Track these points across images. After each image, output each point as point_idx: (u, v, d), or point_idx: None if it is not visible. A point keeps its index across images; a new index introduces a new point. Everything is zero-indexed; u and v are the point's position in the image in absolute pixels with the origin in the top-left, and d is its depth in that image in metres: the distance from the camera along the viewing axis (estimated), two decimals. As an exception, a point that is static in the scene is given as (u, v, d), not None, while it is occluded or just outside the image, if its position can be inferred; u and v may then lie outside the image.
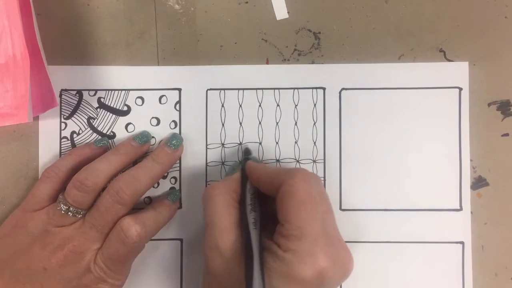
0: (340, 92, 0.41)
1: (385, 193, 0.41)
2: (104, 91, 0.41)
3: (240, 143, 0.41)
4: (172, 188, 0.41)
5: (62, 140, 0.41)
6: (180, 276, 0.41)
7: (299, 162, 0.41)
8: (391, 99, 0.41)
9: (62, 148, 0.41)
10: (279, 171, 0.36)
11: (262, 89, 0.41)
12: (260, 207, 0.36)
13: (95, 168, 0.38)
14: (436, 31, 0.41)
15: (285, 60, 0.42)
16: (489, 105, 0.41)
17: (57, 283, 0.37)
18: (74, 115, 0.41)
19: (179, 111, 0.41)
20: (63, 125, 0.41)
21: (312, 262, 0.31)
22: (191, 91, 0.41)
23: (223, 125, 0.41)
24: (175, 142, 0.40)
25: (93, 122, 0.41)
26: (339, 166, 0.41)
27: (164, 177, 0.41)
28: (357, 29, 0.41)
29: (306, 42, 0.41)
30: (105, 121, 0.41)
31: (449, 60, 0.41)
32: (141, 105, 0.41)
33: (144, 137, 0.40)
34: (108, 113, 0.41)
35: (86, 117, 0.41)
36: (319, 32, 0.41)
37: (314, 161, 0.41)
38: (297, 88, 0.41)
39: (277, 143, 0.41)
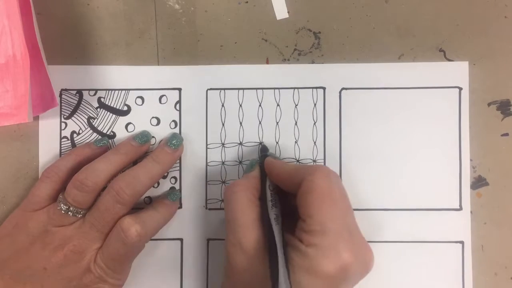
0: (340, 92, 0.41)
1: (385, 192, 0.41)
2: (104, 91, 0.41)
3: (240, 143, 0.41)
4: (172, 188, 0.41)
5: (62, 140, 0.41)
6: (180, 276, 0.41)
7: (299, 162, 0.41)
8: (391, 98, 0.41)
9: (62, 148, 0.41)
10: (299, 167, 0.36)
11: (262, 89, 0.41)
12: (280, 203, 0.36)
13: (95, 168, 0.38)
14: (436, 31, 0.41)
15: (285, 60, 0.42)
16: (489, 104, 0.41)
17: (57, 283, 0.37)
18: (74, 115, 0.41)
19: (179, 111, 0.41)
20: (63, 125, 0.41)
21: (335, 256, 0.32)
22: (191, 91, 0.41)
23: (223, 125, 0.42)
24: (175, 142, 0.40)
25: (93, 122, 0.41)
26: (339, 165, 0.41)
27: (164, 177, 0.41)
28: (357, 29, 0.41)
29: (306, 42, 0.41)
30: (105, 121, 0.41)
31: (449, 60, 0.41)
32: (141, 105, 0.41)
33: (144, 137, 0.40)
34: (108, 113, 0.41)
35: (86, 117, 0.41)
36: (319, 32, 0.41)
37: (314, 161, 0.41)
38: (297, 88, 0.41)
39: (277, 143, 0.41)
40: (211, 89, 0.41)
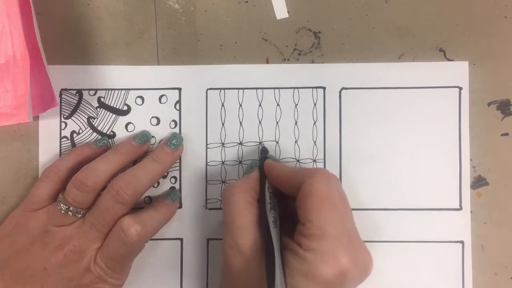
0: (340, 92, 0.41)
1: (385, 192, 0.41)
2: (104, 91, 0.41)
3: (240, 143, 0.41)
4: (172, 188, 0.41)
5: (62, 140, 0.41)
6: (180, 276, 0.41)
7: (299, 162, 0.41)
8: (391, 98, 0.41)
9: (62, 148, 0.41)
10: (299, 170, 0.36)
11: (262, 88, 0.41)
12: (278, 206, 0.36)
13: (95, 168, 0.38)
14: (436, 30, 0.41)
15: (285, 60, 0.42)
16: (489, 104, 0.41)
17: (57, 283, 0.37)
18: (74, 115, 0.41)
19: (179, 110, 0.41)
20: (63, 125, 0.41)
21: (334, 261, 0.31)
22: (191, 91, 0.41)
23: (223, 124, 0.42)
24: (175, 141, 0.40)
25: (93, 121, 0.41)
26: (339, 165, 0.41)
27: (164, 177, 0.41)
28: (357, 28, 0.41)
29: (306, 42, 0.41)
30: (105, 121, 0.41)
31: (449, 60, 0.41)
32: (141, 104, 0.41)
33: (144, 136, 0.40)
34: (108, 112, 0.41)
35: (86, 116, 0.41)
36: (319, 32, 0.41)
37: (314, 161, 0.41)
38: (297, 88, 0.41)
39: (277, 142, 0.41)
40: (211, 89, 0.41)
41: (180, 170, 0.41)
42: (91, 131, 0.41)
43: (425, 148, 0.41)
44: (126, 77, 0.41)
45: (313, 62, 0.41)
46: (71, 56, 0.41)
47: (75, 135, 0.41)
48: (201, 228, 0.41)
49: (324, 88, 0.41)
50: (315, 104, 0.41)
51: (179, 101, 0.41)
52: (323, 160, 0.41)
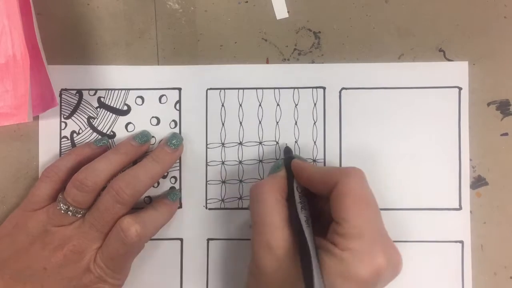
0: (340, 92, 0.41)
1: (384, 192, 0.41)
2: (104, 91, 0.41)
3: (240, 143, 0.41)
4: (172, 188, 0.41)
5: (62, 140, 0.41)
6: (180, 276, 0.41)
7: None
8: (391, 98, 0.41)
9: (62, 148, 0.41)
10: (332, 170, 0.36)
11: (262, 88, 0.41)
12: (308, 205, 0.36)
13: (95, 168, 0.38)
14: (436, 31, 0.41)
15: (285, 60, 0.42)
16: (488, 104, 0.42)
17: (57, 283, 0.37)
18: (74, 115, 0.41)
19: (179, 110, 0.41)
20: (63, 125, 0.41)
21: (370, 261, 0.31)
22: (191, 91, 0.41)
23: (223, 124, 0.42)
24: (175, 141, 0.40)
25: (93, 121, 0.41)
26: (339, 165, 0.41)
27: (164, 177, 0.41)
28: (357, 29, 0.41)
29: (306, 42, 0.41)
30: (105, 121, 0.41)
31: (449, 60, 0.41)
32: (141, 104, 0.41)
33: (144, 136, 0.40)
34: (108, 112, 0.41)
35: (86, 116, 0.41)
36: (319, 32, 0.41)
37: (314, 161, 0.41)
38: (297, 88, 0.41)
39: (277, 142, 0.41)
40: (211, 89, 0.41)
41: (180, 170, 0.41)
42: (91, 131, 0.41)
43: (425, 148, 0.41)
44: (126, 77, 0.41)
45: (313, 62, 0.41)
46: (71, 56, 0.41)
47: (75, 135, 0.41)
48: (201, 228, 0.41)
49: (324, 88, 0.41)
50: (315, 104, 0.41)
51: (179, 101, 0.41)
52: (323, 160, 0.41)
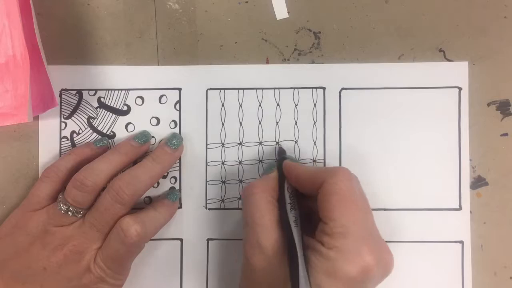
0: (340, 92, 0.41)
1: (384, 192, 0.41)
2: (104, 91, 0.41)
3: (240, 143, 0.41)
4: (172, 188, 0.41)
5: (62, 140, 0.41)
6: (180, 276, 0.41)
7: (299, 162, 0.41)
8: (391, 99, 0.41)
9: (62, 148, 0.41)
10: (319, 170, 0.36)
11: (262, 89, 0.41)
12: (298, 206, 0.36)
13: (94, 168, 0.38)
14: (435, 31, 0.41)
15: (285, 60, 0.42)
16: (488, 105, 0.42)
17: (57, 283, 0.37)
18: (74, 115, 0.41)
19: (179, 110, 0.41)
20: (63, 125, 0.41)
21: (357, 259, 0.32)
22: (191, 91, 0.41)
23: (223, 125, 0.42)
24: (175, 141, 0.40)
25: (93, 121, 0.41)
26: (339, 165, 0.41)
27: (164, 177, 0.41)
28: (357, 29, 0.41)
29: (306, 42, 0.41)
30: (105, 121, 0.41)
31: (449, 60, 0.41)
32: (141, 104, 0.41)
33: (144, 136, 0.40)
34: (108, 112, 0.41)
35: (86, 116, 0.41)
36: (319, 32, 0.41)
37: (314, 161, 0.41)
38: (297, 88, 0.41)
39: (277, 143, 0.41)
40: (211, 89, 0.41)
41: (180, 170, 0.41)
42: (91, 131, 0.41)
43: (425, 148, 0.41)
44: (126, 77, 0.41)
45: (313, 62, 0.41)
46: (71, 56, 0.41)
47: (75, 135, 0.41)
48: (201, 228, 0.41)
49: (324, 88, 0.41)
50: (315, 104, 0.41)
51: (179, 101, 0.41)
52: (323, 160, 0.41)
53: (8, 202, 0.41)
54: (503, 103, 0.41)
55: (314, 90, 0.41)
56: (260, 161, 0.41)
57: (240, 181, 0.41)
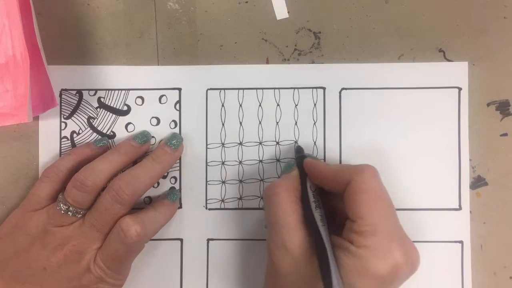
0: (340, 92, 0.41)
1: (384, 192, 0.41)
2: (104, 91, 0.41)
3: (240, 143, 0.41)
4: (172, 188, 0.41)
5: (62, 140, 0.41)
6: (180, 276, 0.41)
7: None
8: (391, 99, 0.41)
9: (62, 148, 0.41)
10: (344, 167, 0.36)
11: (262, 89, 0.41)
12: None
13: (94, 168, 0.38)
14: (435, 31, 0.41)
15: (285, 60, 0.42)
16: (488, 105, 0.42)
17: (56, 283, 0.37)
18: (74, 115, 0.41)
19: (179, 110, 0.41)
20: (63, 125, 0.41)
21: (388, 257, 0.32)
22: (191, 91, 0.41)
23: (223, 125, 0.42)
24: (175, 141, 0.40)
25: (93, 122, 0.41)
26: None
27: (164, 177, 0.41)
28: (357, 29, 0.41)
29: (306, 42, 0.41)
30: (105, 121, 0.41)
31: (449, 60, 0.41)
32: (141, 104, 0.41)
33: (144, 137, 0.40)
34: (108, 113, 0.41)
35: (86, 117, 0.41)
36: (319, 32, 0.41)
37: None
38: (297, 88, 0.41)
39: (277, 143, 0.41)
40: (211, 89, 0.41)
41: (180, 170, 0.41)
42: (91, 131, 0.41)
43: (425, 148, 0.41)
44: (126, 77, 0.41)
45: (313, 62, 0.41)
46: (71, 56, 0.41)
47: (75, 135, 0.41)
48: (201, 228, 0.41)
49: (324, 88, 0.41)
50: (315, 104, 0.41)
51: (179, 101, 0.41)
52: (323, 161, 0.41)
53: (8, 202, 0.41)
54: (503, 103, 0.42)
55: (314, 90, 0.41)
56: (260, 161, 0.41)
57: (240, 181, 0.41)
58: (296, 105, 0.41)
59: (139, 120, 0.41)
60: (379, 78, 0.41)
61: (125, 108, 0.41)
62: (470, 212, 0.41)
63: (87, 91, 0.41)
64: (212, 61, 0.41)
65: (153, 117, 0.41)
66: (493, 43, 0.41)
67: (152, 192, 0.41)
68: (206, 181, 0.41)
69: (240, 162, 0.41)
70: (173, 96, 0.41)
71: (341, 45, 0.41)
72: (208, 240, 0.41)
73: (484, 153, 0.41)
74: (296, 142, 0.41)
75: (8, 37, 0.36)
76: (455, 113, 0.41)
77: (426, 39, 0.41)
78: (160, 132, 0.41)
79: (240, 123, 0.41)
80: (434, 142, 0.41)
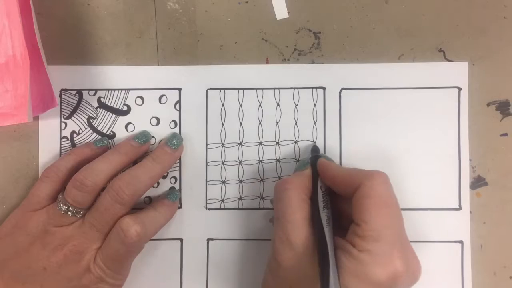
0: (340, 92, 0.41)
1: (384, 192, 0.41)
2: (104, 91, 0.41)
3: (240, 143, 0.41)
4: (172, 188, 0.41)
5: (62, 140, 0.41)
6: (180, 276, 0.41)
7: (299, 162, 0.41)
8: (391, 99, 0.41)
9: (62, 148, 0.41)
10: (355, 171, 0.36)
11: (262, 89, 0.41)
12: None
13: (94, 168, 0.38)
14: (435, 31, 0.41)
15: (285, 60, 0.42)
16: (488, 105, 0.42)
17: (56, 283, 0.37)
18: (74, 115, 0.41)
19: (179, 110, 0.41)
20: (63, 125, 0.41)
21: (388, 264, 0.32)
22: (191, 91, 0.41)
23: (223, 125, 0.42)
24: (175, 141, 0.40)
25: (93, 122, 0.41)
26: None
27: (164, 177, 0.41)
28: (357, 29, 0.41)
29: (306, 42, 0.41)
30: (105, 121, 0.41)
31: (449, 60, 0.41)
32: (141, 104, 0.41)
33: (144, 136, 0.40)
34: (108, 113, 0.41)
35: (86, 117, 0.41)
36: (319, 32, 0.41)
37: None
38: (297, 88, 0.41)
39: (277, 143, 0.41)
40: (211, 89, 0.41)
41: (180, 170, 0.41)
42: (91, 131, 0.41)
43: (425, 148, 0.41)
44: (126, 77, 0.41)
45: (313, 62, 0.41)
46: (71, 56, 0.41)
47: (75, 135, 0.41)
48: (201, 228, 0.41)
49: (324, 88, 0.41)
50: (315, 104, 0.41)
51: (179, 101, 0.41)
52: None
53: (8, 202, 0.41)
54: (503, 103, 0.42)
55: (314, 90, 0.41)
56: (260, 161, 0.41)
57: (240, 181, 0.41)
58: (296, 105, 0.41)
59: (139, 120, 0.41)
60: (379, 78, 0.41)
61: (125, 108, 0.41)
62: (470, 212, 0.41)
63: (87, 91, 0.41)
64: (212, 61, 0.41)
65: (153, 117, 0.41)
66: (493, 43, 0.41)
67: (152, 192, 0.41)
68: (206, 181, 0.41)
69: (240, 162, 0.41)
70: (173, 96, 0.41)
71: (341, 45, 0.41)
72: (208, 240, 0.41)
73: (484, 153, 0.41)
74: (314, 142, 0.41)
75: (8, 37, 0.36)
76: (455, 113, 0.41)
77: (426, 39, 0.41)
78: (160, 132, 0.41)
79: (240, 123, 0.42)
80: (434, 142, 0.41)
